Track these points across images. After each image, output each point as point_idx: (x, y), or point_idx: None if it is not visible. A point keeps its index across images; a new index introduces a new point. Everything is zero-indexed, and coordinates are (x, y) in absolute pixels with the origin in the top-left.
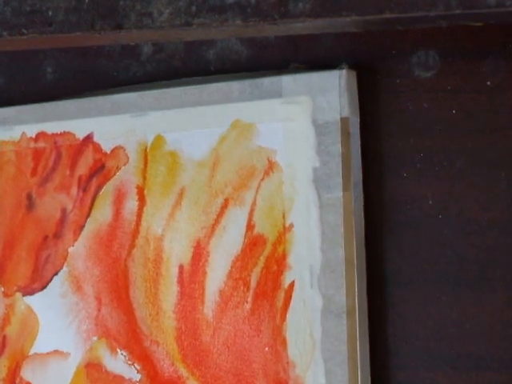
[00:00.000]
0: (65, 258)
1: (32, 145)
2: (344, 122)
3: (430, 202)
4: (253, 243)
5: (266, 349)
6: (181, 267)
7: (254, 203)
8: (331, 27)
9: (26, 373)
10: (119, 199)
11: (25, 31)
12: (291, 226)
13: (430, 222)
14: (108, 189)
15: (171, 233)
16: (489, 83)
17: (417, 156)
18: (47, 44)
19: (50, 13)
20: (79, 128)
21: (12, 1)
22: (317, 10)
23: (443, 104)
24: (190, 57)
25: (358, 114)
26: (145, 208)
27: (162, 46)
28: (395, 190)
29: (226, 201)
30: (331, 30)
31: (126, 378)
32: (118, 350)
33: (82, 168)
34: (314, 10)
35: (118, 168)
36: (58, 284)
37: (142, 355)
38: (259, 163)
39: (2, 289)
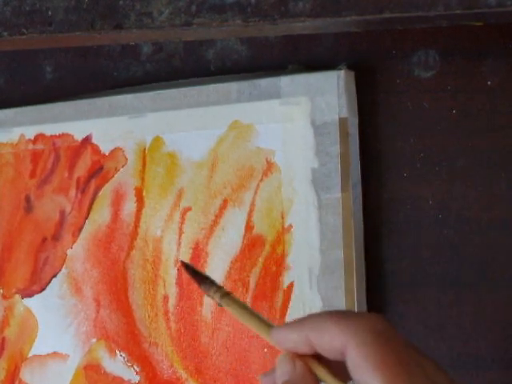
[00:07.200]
0: (63, 260)
1: (30, 146)
2: (342, 122)
3: (430, 202)
4: (252, 244)
5: (265, 350)
6: (180, 268)
7: (252, 204)
8: (331, 27)
9: (25, 375)
10: (117, 201)
11: (25, 31)
12: (290, 226)
13: (429, 221)
14: (106, 190)
15: (170, 234)
16: (489, 83)
17: (417, 156)
18: (47, 44)
19: (50, 13)
20: (77, 129)
21: (12, 1)
22: (317, 9)
23: (443, 104)
24: (190, 57)
25: (357, 114)
26: (143, 209)
27: (162, 46)
28: (395, 189)
29: (225, 202)
30: (331, 30)
31: (125, 379)
32: (117, 352)
33: (81, 170)
34: (313, 10)
35: (116, 169)
36: (56, 286)
37: (140, 357)
38: (258, 164)
39: (1, 291)
